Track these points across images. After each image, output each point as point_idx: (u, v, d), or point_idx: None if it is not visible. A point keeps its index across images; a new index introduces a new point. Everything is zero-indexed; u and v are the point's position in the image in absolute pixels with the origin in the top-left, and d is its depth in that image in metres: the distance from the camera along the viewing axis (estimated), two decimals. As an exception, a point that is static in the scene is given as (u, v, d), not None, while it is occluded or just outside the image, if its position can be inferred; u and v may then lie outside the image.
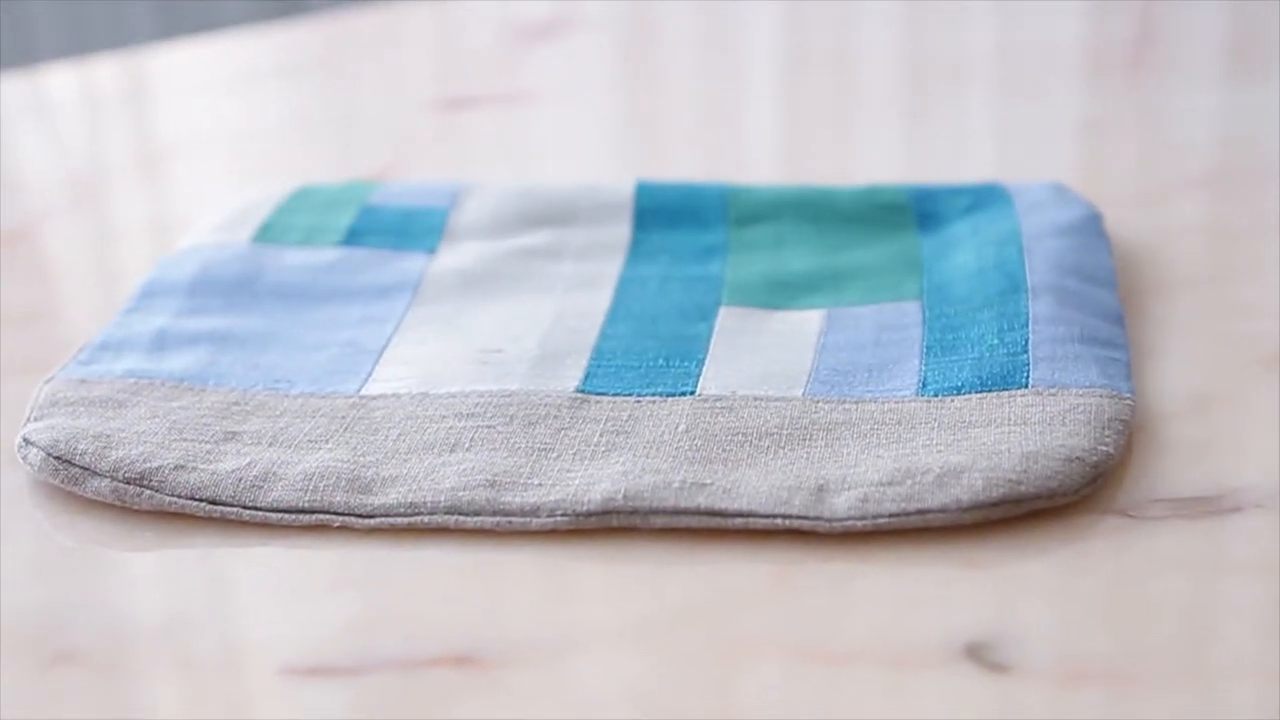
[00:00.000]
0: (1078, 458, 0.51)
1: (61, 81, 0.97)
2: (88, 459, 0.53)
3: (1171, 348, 0.60)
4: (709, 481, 0.52)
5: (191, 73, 0.96)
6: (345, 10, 1.14)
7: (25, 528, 0.53)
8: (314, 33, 1.06)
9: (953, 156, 0.79)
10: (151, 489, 0.52)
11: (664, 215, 0.69)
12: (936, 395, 0.56)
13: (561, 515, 0.51)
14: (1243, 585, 0.48)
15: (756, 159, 0.82)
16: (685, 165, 0.79)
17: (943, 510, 0.50)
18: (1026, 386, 0.56)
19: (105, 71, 0.97)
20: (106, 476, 0.53)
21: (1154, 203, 0.73)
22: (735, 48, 0.96)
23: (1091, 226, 0.66)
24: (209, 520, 0.52)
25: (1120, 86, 0.86)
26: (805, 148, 0.83)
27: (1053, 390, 0.55)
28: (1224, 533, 0.50)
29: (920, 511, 0.50)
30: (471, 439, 0.55)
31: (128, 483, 0.53)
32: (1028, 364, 0.57)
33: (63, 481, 0.53)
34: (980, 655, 0.45)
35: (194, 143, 0.85)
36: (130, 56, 0.98)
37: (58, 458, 0.53)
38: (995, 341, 0.58)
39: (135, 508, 0.52)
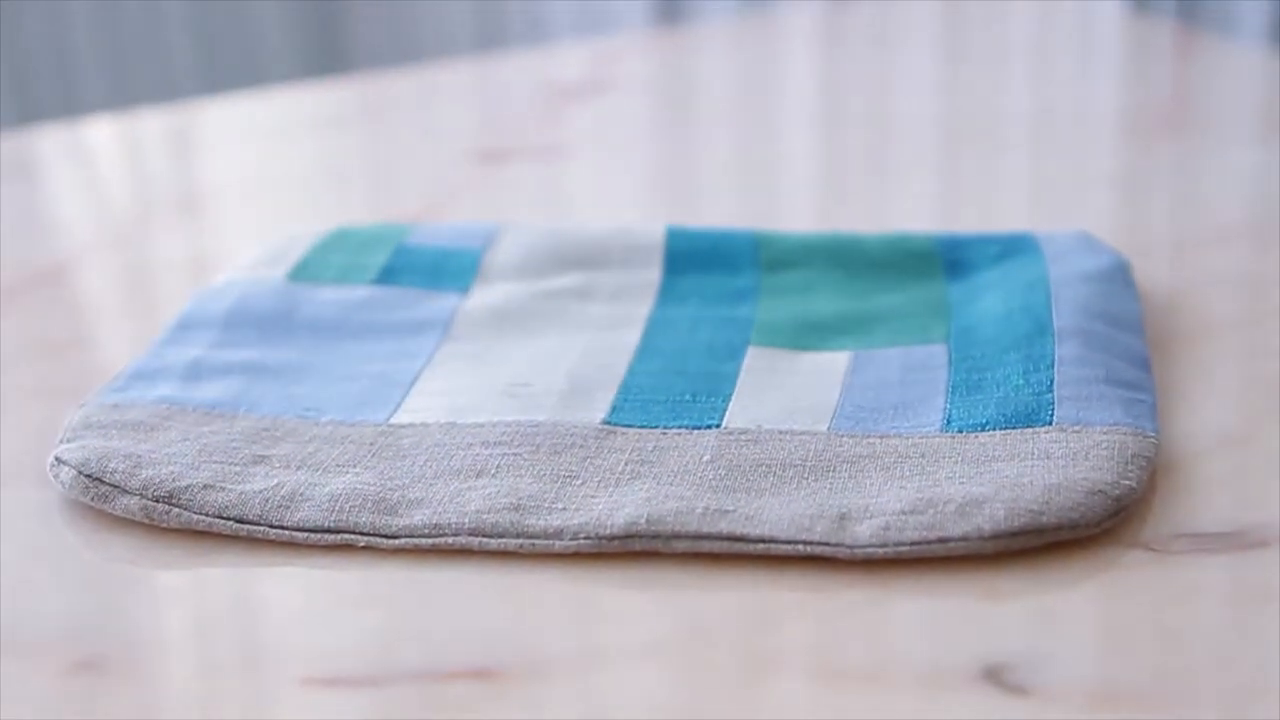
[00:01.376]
0: (1100, 491, 0.52)
1: (106, 131, 0.99)
2: (118, 477, 0.54)
3: (1198, 390, 0.60)
4: (732, 509, 0.52)
5: (234, 124, 0.98)
6: (387, 69, 1.15)
7: (55, 545, 0.53)
8: (356, 89, 1.08)
9: (985, 211, 0.79)
10: (180, 507, 0.53)
11: (695, 259, 0.69)
12: (961, 431, 0.56)
13: (585, 538, 0.51)
14: (1264, 616, 0.48)
15: (790, 213, 0.82)
16: (719, 217, 0.80)
17: (964, 539, 0.50)
18: (1051, 424, 0.56)
19: (149, 123, 0.98)
20: (136, 495, 0.53)
21: (1183, 254, 0.74)
22: (772, 108, 0.97)
23: (1119, 274, 0.66)
24: (236, 539, 0.53)
25: (1153, 146, 0.87)
26: (839, 202, 0.84)
27: (1077, 428, 0.55)
28: (1247, 566, 0.50)
29: (942, 540, 0.50)
30: (498, 466, 0.55)
31: (157, 501, 0.53)
32: (1052, 403, 0.57)
33: (93, 499, 0.54)
34: (1000, 678, 0.45)
35: (235, 188, 0.87)
36: (174, 109, 1.00)
37: (88, 476, 0.54)
38: (1020, 382, 0.59)
39: (164, 526, 0.53)
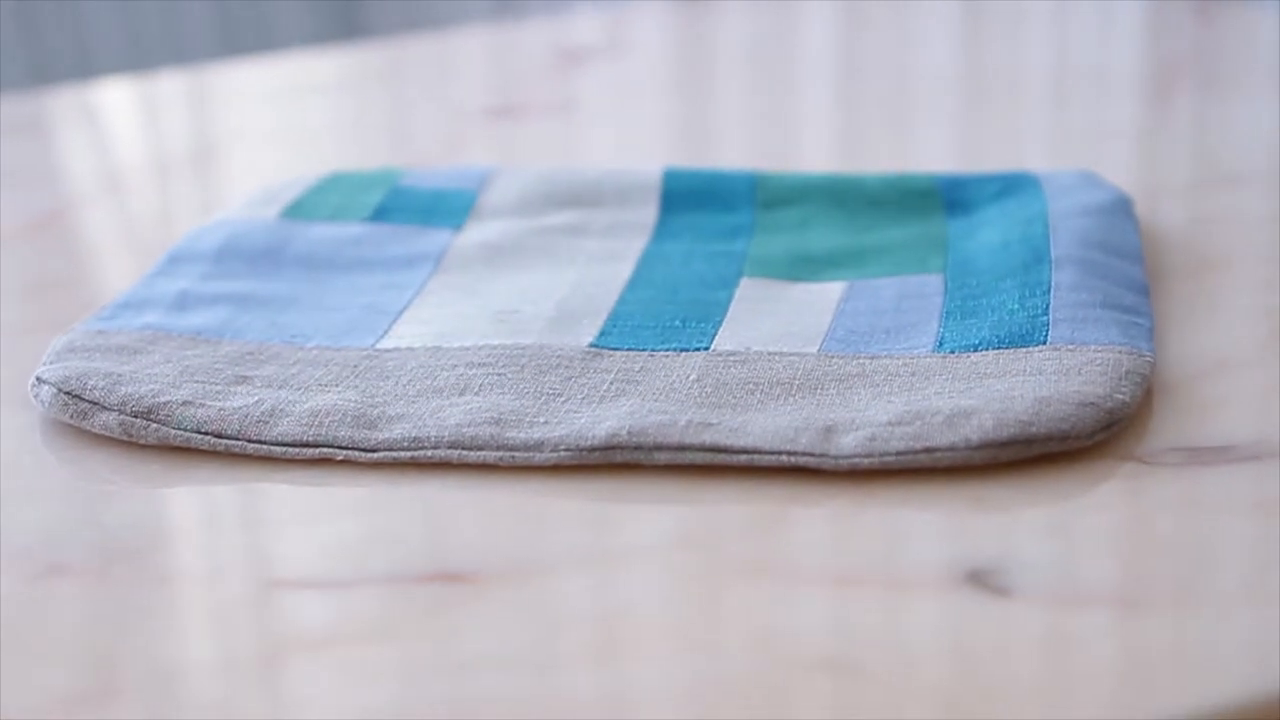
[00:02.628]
0: (1091, 403, 0.50)
1: (120, 92, 0.99)
2: (97, 394, 0.53)
3: (1197, 319, 0.59)
4: (716, 421, 0.51)
5: (247, 85, 0.97)
6: (402, 35, 1.15)
7: (33, 463, 0.53)
8: (370, 54, 1.07)
9: (999, 161, 0.78)
10: (158, 422, 0.52)
11: (691, 198, 0.69)
12: (953, 352, 0.55)
13: (565, 450, 0.50)
14: (1253, 525, 0.47)
15: (804, 165, 0.81)
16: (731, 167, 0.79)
17: (951, 449, 0.49)
18: (1045, 343, 0.55)
19: (162, 83, 0.98)
20: (114, 410, 0.53)
21: (1192, 196, 0.73)
22: (789, 61, 0.96)
23: (1120, 207, 0.65)
24: (215, 455, 0.52)
25: (1168, 100, 0.86)
26: (853, 155, 0.83)
27: (1071, 347, 0.54)
28: (1237, 478, 0.49)
29: (928, 450, 0.49)
30: (481, 384, 0.54)
31: (135, 416, 0.53)
32: (1047, 324, 0.56)
33: (71, 416, 0.53)
34: (982, 580, 0.44)
35: (245, 143, 0.86)
36: (189, 71, 1.00)
37: (67, 393, 0.54)
38: (1015, 306, 0.58)
39: (141, 442, 0.52)
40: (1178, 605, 0.43)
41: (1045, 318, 0.56)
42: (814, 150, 0.84)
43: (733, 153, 0.82)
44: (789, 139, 0.84)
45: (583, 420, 0.52)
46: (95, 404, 0.53)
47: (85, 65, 1.85)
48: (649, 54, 1.01)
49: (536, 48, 1.02)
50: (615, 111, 0.90)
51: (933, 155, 0.81)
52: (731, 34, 1.06)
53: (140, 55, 1.88)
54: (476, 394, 0.54)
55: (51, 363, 0.56)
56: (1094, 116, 0.84)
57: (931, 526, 0.47)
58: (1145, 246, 0.64)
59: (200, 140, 0.88)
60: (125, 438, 0.53)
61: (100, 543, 0.48)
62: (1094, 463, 0.50)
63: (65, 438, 0.54)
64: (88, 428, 0.53)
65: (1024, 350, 0.54)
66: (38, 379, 0.55)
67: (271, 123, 0.89)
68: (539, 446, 0.51)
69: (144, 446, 0.52)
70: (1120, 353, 0.54)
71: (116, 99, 0.98)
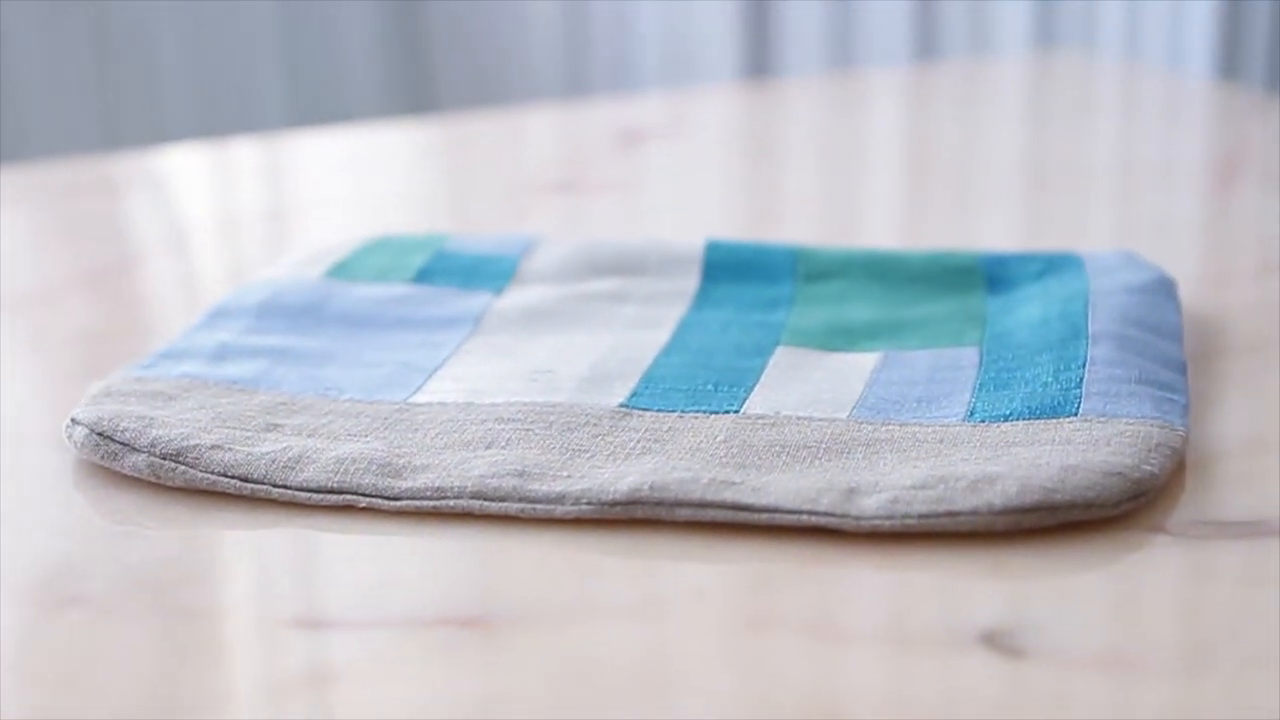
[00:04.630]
0: (1118, 473, 0.50)
1: (191, 156, 1.00)
2: (128, 436, 0.54)
3: (1235, 399, 0.59)
4: (739, 481, 0.51)
5: (317, 153, 0.99)
6: (470, 111, 1.17)
7: (63, 502, 0.53)
8: (439, 128, 1.09)
9: (1053, 241, 0.78)
10: (186, 465, 0.53)
11: (733, 270, 0.69)
12: (984, 421, 0.55)
13: (587, 504, 0.50)
14: (1268, 597, 0.46)
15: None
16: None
17: (973, 513, 0.49)
18: (1076, 415, 0.54)
19: (234, 149, 1.00)
20: (144, 452, 0.53)
21: (1230, 283, 0.72)
22: (852, 153, 0.96)
23: (1161, 287, 0.65)
24: (241, 499, 0.52)
25: (1218, 194, 0.86)
26: (913, 238, 0.83)
27: (1102, 419, 0.54)
28: (1259, 552, 0.49)
29: (950, 514, 0.49)
30: (508, 439, 0.54)
31: (164, 458, 0.53)
32: (1080, 397, 0.55)
33: (102, 458, 0.54)
34: (995, 641, 0.44)
35: (311, 208, 0.88)
36: (259, 138, 1.01)
37: (100, 434, 0.54)
38: (1050, 379, 0.57)
39: (169, 484, 0.53)
40: (1188, 673, 0.43)
41: (1078, 390, 0.56)
42: (872, 232, 0.84)
43: (792, 231, 0.82)
44: (850, 220, 0.84)
45: (606, 475, 0.52)
46: (126, 445, 0.54)
47: (158, 133, 1.89)
48: (711, 134, 1.02)
49: (601, 125, 1.03)
50: (675, 189, 0.90)
51: (991, 239, 0.81)
52: (794, 115, 1.07)
53: (213, 124, 1.91)
54: (503, 448, 0.54)
55: (87, 406, 0.56)
56: (1151, 205, 0.84)
57: (948, 589, 0.47)
58: (1192, 329, 0.64)
59: (266, 204, 0.89)
60: (154, 479, 0.53)
61: (118, 578, 0.48)
62: (1118, 533, 0.49)
63: (96, 479, 0.54)
64: (118, 469, 0.54)
65: (1054, 421, 0.54)
66: (72, 420, 0.55)
67: (337, 190, 0.90)
68: (560, 499, 0.51)
69: (172, 489, 0.53)
70: (1151, 426, 0.53)
71: (187, 163, 0.99)
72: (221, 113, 1.97)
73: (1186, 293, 0.67)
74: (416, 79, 2.06)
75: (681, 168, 0.94)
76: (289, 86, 2.01)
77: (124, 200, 0.92)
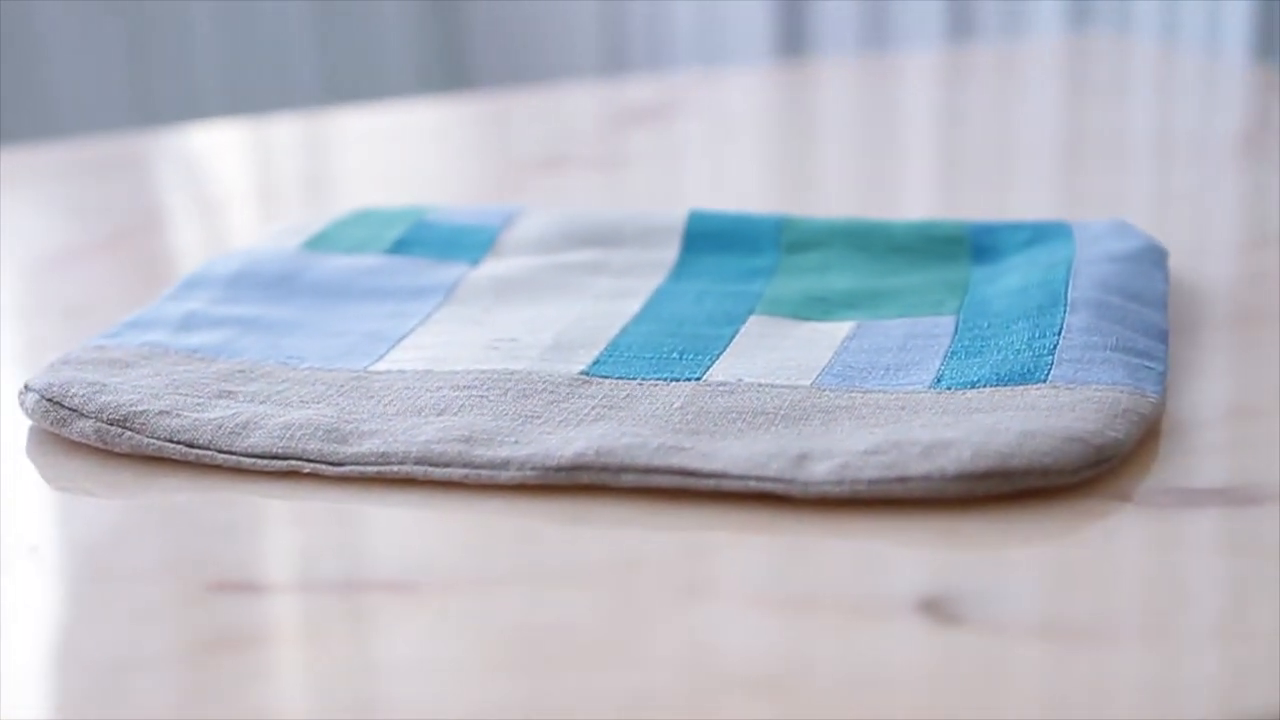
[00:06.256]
0: (1079, 439, 0.48)
1: (223, 133, 1.00)
2: (77, 402, 0.53)
3: (1218, 367, 0.57)
4: (689, 446, 0.50)
5: (353, 130, 0.98)
6: (505, 88, 1.16)
7: (11, 469, 0.53)
8: (473, 105, 1.08)
9: (1072, 214, 0.77)
10: (132, 430, 0.52)
11: (714, 240, 0.67)
12: (949, 389, 0.53)
13: (531, 469, 0.49)
14: (1228, 565, 0.44)
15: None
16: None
17: (925, 479, 0.47)
18: (1045, 381, 0.53)
19: (269, 126, 0.99)
20: (91, 418, 0.53)
21: (1229, 255, 0.70)
22: (889, 130, 0.95)
23: (1148, 255, 0.63)
24: (187, 465, 0.51)
25: (1225, 166, 0.84)
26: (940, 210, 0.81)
27: (1070, 385, 0.52)
28: (1227, 520, 0.47)
29: (901, 479, 0.47)
30: (461, 406, 0.53)
31: (110, 424, 0.52)
32: (1050, 364, 0.54)
33: (51, 423, 0.53)
34: (936, 609, 0.42)
35: (344, 183, 0.87)
36: (290, 116, 1.01)
37: (50, 400, 0.53)
38: (1022, 346, 0.56)
39: (115, 449, 0.52)
40: (1139, 640, 0.41)
41: (1050, 358, 0.54)
42: (904, 212, 0.82)
43: (823, 210, 0.80)
44: (884, 199, 0.82)
45: (553, 441, 0.50)
46: (74, 411, 0.53)
47: (192, 111, 1.89)
48: (745, 112, 1.01)
49: (635, 102, 1.02)
50: (707, 167, 0.89)
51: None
52: (828, 95, 1.06)
53: (247, 102, 1.92)
54: (455, 414, 0.53)
55: (42, 373, 0.56)
56: (1172, 180, 0.82)
57: (891, 556, 0.45)
58: (1185, 300, 0.62)
59: (300, 178, 0.89)
60: (101, 445, 0.52)
61: (58, 542, 0.48)
62: (1079, 500, 0.48)
63: (46, 444, 0.54)
64: (67, 434, 0.53)
65: (1021, 388, 0.53)
66: (26, 386, 0.55)
67: (372, 166, 0.90)
68: (505, 465, 0.50)
69: (119, 455, 0.52)
70: (1121, 392, 0.52)
71: (221, 140, 0.99)
72: (255, 91, 1.97)
73: (1193, 263, 0.65)
74: (452, 56, 2.06)
75: (714, 146, 0.93)
76: (322, 64, 2.01)
77: (156, 175, 0.91)
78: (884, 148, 0.91)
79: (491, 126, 1.00)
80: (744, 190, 0.85)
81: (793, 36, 1.82)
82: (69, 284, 0.71)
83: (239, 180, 0.91)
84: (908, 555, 0.45)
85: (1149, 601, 0.43)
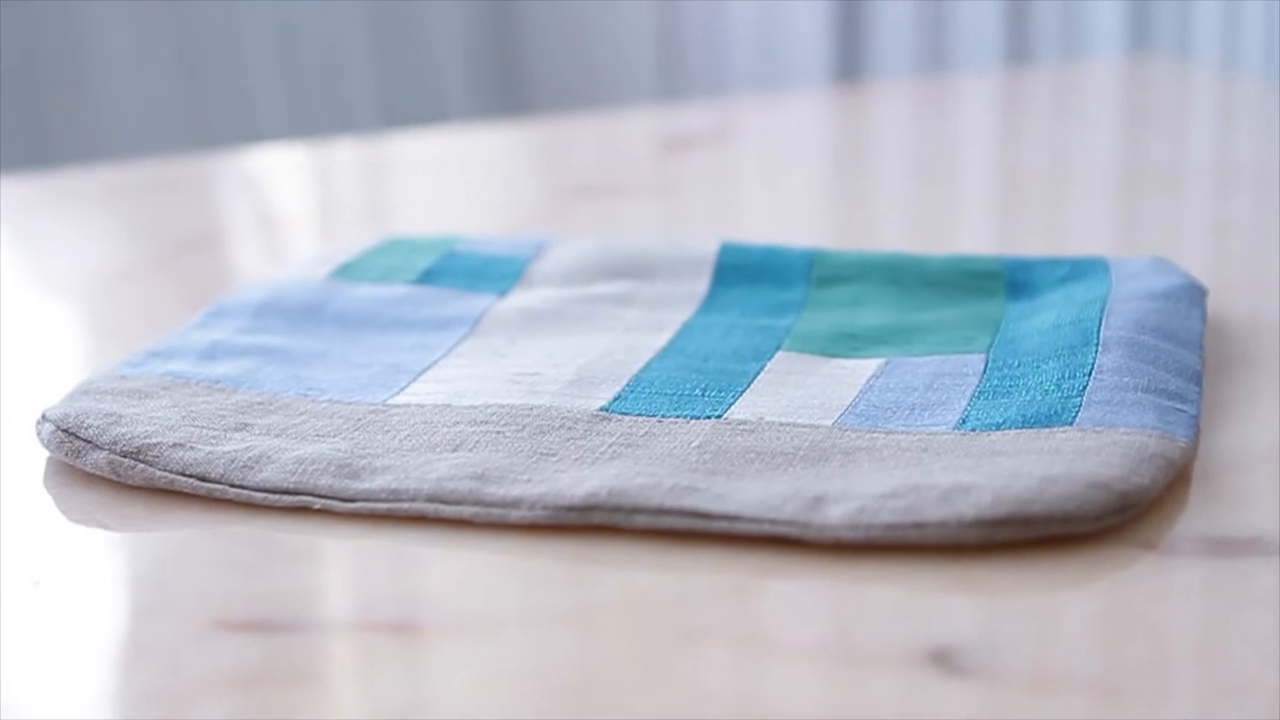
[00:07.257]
0: (1103, 484, 0.47)
1: (278, 156, 1.00)
2: (91, 433, 0.53)
3: (1254, 410, 0.55)
4: (703, 487, 0.49)
5: (411, 154, 0.98)
6: (562, 113, 1.15)
7: (25, 498, 0.53)
8: (530, 130, 1.08)
9: (1122, 247, 0.75)
10: (145, 463, 0.52)
11: (745, 273, 0.66)
12: (974, 430, 0.52)
13: (542, 509, 0.49)
14: (1253, 617, 0.43)
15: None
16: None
17: (942, 525, 0.46)
18: (1071, 424, 0.52)
19: (326, 150, 0.99)
20: (105, 450, 0.52)
21: (1269, 290, 0.69)
22: (945, 155, 0.94)
23: (1186, 294, 0.61)
24: (198, 499, 0.51)
25: (1268, 195, 0.82)
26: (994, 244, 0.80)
27: (1098, 429, 0.51)
28: (1251, 571, 0.45)
29: (918, 525, 0.46)
30: (476, 441, 0.53)
31: (124, 456, 0.52)
32: (1079, 405, 0.53)
33: (65, 455, 0.53)
34: (945, 660, 0.41)
35: (401, 209, 0.87)
36: (345, 140, 1.01)
37: (65, 431, 0.53)
38: (1051, 387, 0.54)
39: (129, 482, 0.52)
40: (1159, 697, 0.40)
41: (1079, 399, 0.53)
42: (961, 240, 0.81)
43: (879, 237, 0.79)
44: (939, 227, 0.81)
45: (566, 480, 0.50)
46: (88, 443, 0.53)
47: (249, 135, 1.90)
48: (801, 137, 1.00)
49: (692, 127, 1.01)
50: (763, 192, 0.89)
51: (1077, 246, 0.78)
52: (884, 118, 1.05)
53: (304, 126, 1.92)
54: (470, 450, 0.52)
55: (61, 402, 0.56)
56: (1193, 208, 0.81)
57: (904, 603, 0.44)
58: (1229, 337, 0.60)
59: (359, 203, 0.89)
60: (114, 477, 0.52)
61: (68, 574, 0.47)
62: (1101, 548, 0.46)
63: (61, 475, 0.53)
64: (80, 466, 0.53)
65: (1047, 430, 0.51)
66: (43, 416, 0.55)
67: (429, 191, 0.90)
68: (516, 504, 0.49)
69: (132, 488, 0.52)
70: (1149, 436, 0.50)
71: (279, 163, 0.99)
72: (312, 115, 1.97)
73: (1243, 299, 0.64)
74: (509, 81, 2.06)
75: (767, 172, 0.92)
76: (381, 88, 2.01)
77: (213, 196, 0.91)
78: (939, 173, 0.90)
79: (545, 153, 0.99)
80: (795, 217, 0.84)
81: (850, 58, 1.81)
82: (120, 305, 0.71)
83: (296, 203, 0.91)
84: (920, 603, 0.44)
85: (1170, 655, 0.42)
